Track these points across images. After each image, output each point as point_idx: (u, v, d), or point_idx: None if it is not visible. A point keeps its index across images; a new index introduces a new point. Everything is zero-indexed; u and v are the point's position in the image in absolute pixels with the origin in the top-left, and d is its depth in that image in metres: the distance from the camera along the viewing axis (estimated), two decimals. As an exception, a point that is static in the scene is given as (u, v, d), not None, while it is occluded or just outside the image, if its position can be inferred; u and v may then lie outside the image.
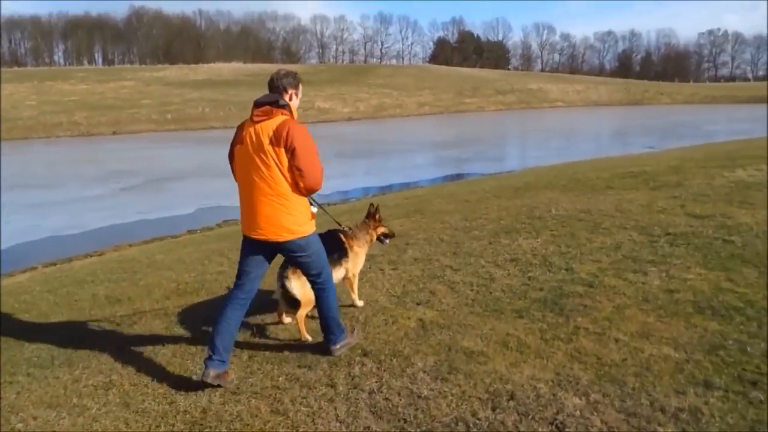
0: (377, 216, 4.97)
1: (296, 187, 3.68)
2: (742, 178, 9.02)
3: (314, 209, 3.96)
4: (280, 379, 3.67)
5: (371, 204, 5.10)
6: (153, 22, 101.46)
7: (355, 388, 3.48)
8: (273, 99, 3.69)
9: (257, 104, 3.71)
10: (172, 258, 7.64)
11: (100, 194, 16.29)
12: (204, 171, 20.84)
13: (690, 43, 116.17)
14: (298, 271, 4.10)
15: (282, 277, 4.29)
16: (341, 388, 3.49)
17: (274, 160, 3.59)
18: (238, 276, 3.94)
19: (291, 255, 3.91)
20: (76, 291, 6.33)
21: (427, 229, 7.70)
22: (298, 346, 4.15)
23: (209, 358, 3.63)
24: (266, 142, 3.58)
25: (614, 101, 68.44)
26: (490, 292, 4.93)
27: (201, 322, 4.77)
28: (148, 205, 14.68)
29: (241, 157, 3.77)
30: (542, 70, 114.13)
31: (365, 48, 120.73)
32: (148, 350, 4.26)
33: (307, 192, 3.76)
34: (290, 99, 3.80)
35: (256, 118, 3.68)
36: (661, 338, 3.76)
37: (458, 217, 8.31)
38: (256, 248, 3.85)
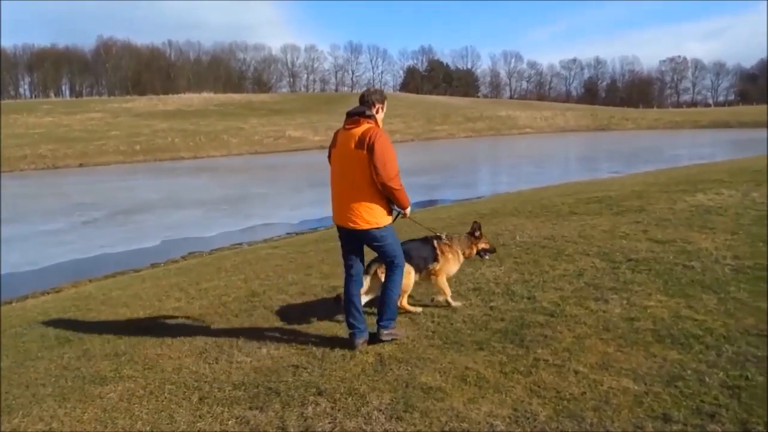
0: (478, 233, 5.40)
1: (375, 185, 4.29)
2: (703, 203, 9.13)
3: (394, 214, 4.62)
4: (230, 422, 3.51)
5: (474, 222, 5.52)
6: (122, 53, 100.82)
7: (307, 430, 3.33)
8: (361, 110, 4.44)
9: (349, 115, 4.48)
10: (129, 294, 7.40)
11: (62, 228, 15.89)
12: (171, 202, 20.56)
13: (653, 70, 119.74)
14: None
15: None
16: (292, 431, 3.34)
17: (357, 161, 4.29)
18: (344, 259, 4.69)
19: (369, 242, 4.54)
20: (24, 332, 6.05)
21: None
22: (252, 383, 3.98)
23: (352, 334, 4.48)
24: (352, 146, 4.31)
25: (581, 127, 69.77)
26: (451, 323, 4.83)
27: (151, 361, 4.57)
28: (112, 238, 14.34)
29: (334, 159, 4.58)
30: (511, 97, 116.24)
31: (336, 77, 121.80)
32: (93, 394, 4.05)
33: (383, 187, 4.30)
34: (377, 112, 4.56)
35: (347, 126, 4.44)
36: (621, 369, 3.69)
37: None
38: (345, 235, 4.58)
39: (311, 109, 69.49)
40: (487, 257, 5.58)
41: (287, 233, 14.61)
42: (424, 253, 5.22)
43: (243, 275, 7.63)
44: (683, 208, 8.84)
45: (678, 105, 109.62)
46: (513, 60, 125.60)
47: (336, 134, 4.58)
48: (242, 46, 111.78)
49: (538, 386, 3.58)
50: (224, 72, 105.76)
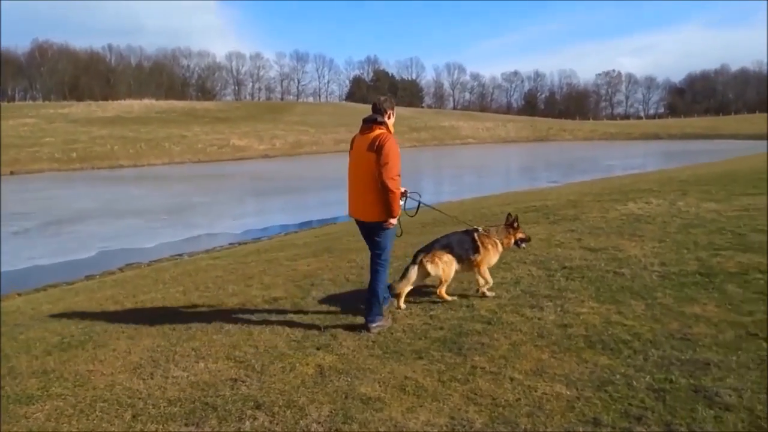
0: (515, 224, 5.80)
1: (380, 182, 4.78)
2: (633, 211, 9.50)
3: (402, 203, 5.13)
4: (164, 439, 3.42)
5: (509, 214, 5.92)
6: (58, 57, 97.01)
7: (244, 445, 3.29)
8: (374, 118, 4.99)
9: (364, 121, 5.01)
10: (61, 308, 7.12)
11: (-11, 239, 15.15)
12: (109, 212, 19.94)
13: (589, 83, 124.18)
14: (436, 257, 5.39)
15: (423, 260, 5.40)
16: (229, 447, 3.28)
17: (368, 162, 4.82)
18: (369, 246, 5.20)
19: (373, 233, 5.06)
20: (-56, 350, 5.73)
21: (334, 268, 7.60)
22: (188, 399, 3.89)
23: (369, 318, 4.97)
24: (365, 149, 4.87)
25: (521, 138, 71.56)
26: (392, 333, 4.86)
27: (82, 378, 4.41)
28: (44, 249, 13.79)
29: (351, 160, 5.10)
30: (454, 108, 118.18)
31: (282, 85, 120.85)
32: (18, 414, 3.88)
33: (382, 186, 4.78)
34: (388, 117, 5.06)
35: (362, 132, 5.00)
36: (554, 375, 3.79)
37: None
38: (360, 226, 5.19)
39: (256, 117, 68.84)
40: (524, 246, 5.96)
41: (230, 243, 14.41)
42: (465, 245, 5.57)
43: (182, 287, 7.47)
44: (615, 217, 9.17)
45: (612, 117, 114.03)
46: (456, 72, 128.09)
47: (354, 139, 5.15)
48: (186, 53, 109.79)
49: (475, 394, 3.65)
50: (167, 78, 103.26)
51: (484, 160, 45.59)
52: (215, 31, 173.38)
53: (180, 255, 12.68)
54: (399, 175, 4.84)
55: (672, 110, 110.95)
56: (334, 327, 5.14)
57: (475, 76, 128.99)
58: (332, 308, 5.73)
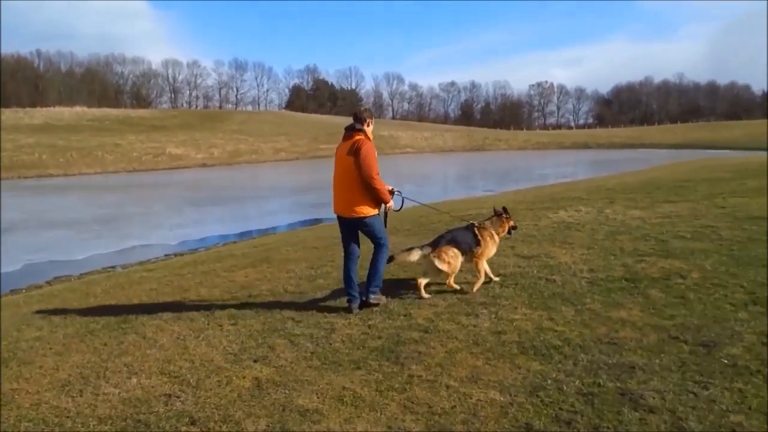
0: (506, 215, 6.38)
1: (362, 184, 5.49)
2: (564, 219, 9.84)
3: (389, 207, 5.83)
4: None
5: (503, 207, 6.51)
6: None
7: (178, 463, 3.21)
8: (353, 126, 5.69)
9: (346, 130, 5.72)
10: (-19, 325, 6.75)
11: None
12: (36, 222, 19.04)
13: (522, 94, 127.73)
14: (442, 252, 5.86)
15: (430, 256, 5.86)
16: (162, 465, 3.20)
17: (349, 165, 5.52)
18: (343, 242, 5.89)
19: (359, 228, 5.74)
20: None
21: (272, 279, 7.52)
22: (119, 416, 3.77)
23: (350, 300, 5.70)
24: (346, 153, 5.58)
25: (458, 147, 72.85)
26: (330, 344, 4.86)
27: (6, 397, 4.20)
28: (-37, 263, 13.01)
29: (335, 164, 5.74)
30: (393, 118, 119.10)
31: (220, 94, 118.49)
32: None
33: (365, 183, 5.47)
34: (367, 125, 5.72)
35: (344, 139, 5.69)
36: (489, 382, 3.88)
37: (304, 265, 8.22)
38: (342, 222, 5.80)
39: (194, 125, 67.42)
40: (512, 234, 6.62)
41: (165, 255, 14.02)
42: (468, 239, 6.04)
43: (114, 300, 7.24)
44: (547, 225, 9.46)
45: (545, 127, 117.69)
46: (395, 82, 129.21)
47: (338, 147, 5.81)
48: (120, 59, 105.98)
49: (412, 402, 3.69)
50: (99, 85, 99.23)
51: (423, 169, 46.12)
52: (151, 38, 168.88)
53: (113, 267, 12.25)
54: (378, 173, 5.52)
55: (600, 120, 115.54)
56: (272, 338, 5.11)
57: (414, 87, 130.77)
58: (270, 320, 5.67)
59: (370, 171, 5.42)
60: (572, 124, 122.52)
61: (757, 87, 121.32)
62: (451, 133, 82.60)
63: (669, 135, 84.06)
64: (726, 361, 3.84)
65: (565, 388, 3.70)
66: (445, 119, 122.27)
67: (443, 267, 5.84)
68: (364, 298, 5.71)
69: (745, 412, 3.21)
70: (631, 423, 3.23)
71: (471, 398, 3.68)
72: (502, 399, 3.64)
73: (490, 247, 6.13)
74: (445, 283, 6.01)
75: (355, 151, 5.45)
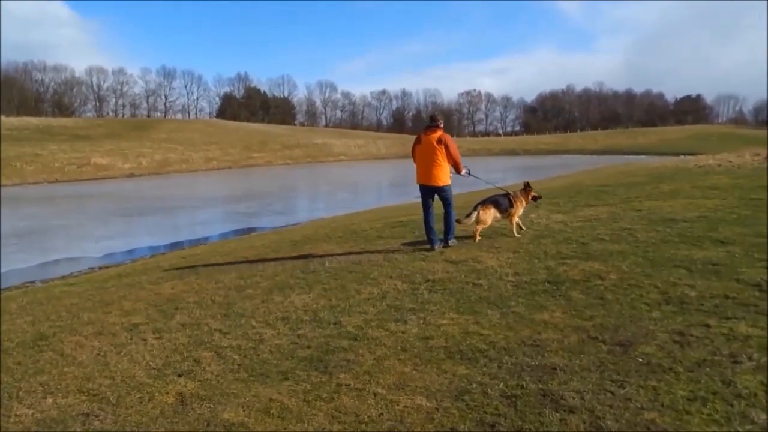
0: (529, 188, 8.89)
1: (446, 162, 8.18)
2: (491, 224, 10.04)
3: (464, 173, 8.62)
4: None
5: (525, 182, 9.14)
6: None
7: (93, 487, 3.07)
8: (434, 124, 8.29)
9: (427, 127, 8.33)
10: None
11: None
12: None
13: (452, 102, 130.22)
14: (486, 209, 8.49)
15: (476, 209, 8.50)
16: (76, 490, 3.05)
17: (438, 150, 8.08)
18: (423, 203, 8.46)
19: (439, 193, 8.33)
20: None
21: (200, 290, 7.34)
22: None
23: (431, 243, 8.31)
24: (434, 142, 8.10)
25: (391, 154, 73.40)
26: (258, 355, 4.78)
27: None
28: None
29: (421, 149, 8.29)
30: (326, 126, 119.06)
31: (148, 102, 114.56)
32: None
33: (453, 162, 8.27)
34: (441, 124, 8.35)
35: (426, 132, 8.27)
36: (416, 388, 3.91)
37: (234, 275, 8.07)
38: (425, 190, 8.37)
39: (120, 135, 65.16)
40: (537, 201, 9.44)
41: (89, 268, 13.46)
42: (505, 202, 8.60)
43: (31, 317, 6.89)
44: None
45: (474, 134, 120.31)
46: (328, 90, 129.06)
47: (419, 136, 8.40)
48: (40, 67, 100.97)
49: (340, 412, 3.67)
50: (18, 93, 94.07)
51: (357, 176, 46.23)
52: (75, 45, 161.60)
53: (32, 282, 11.64)
54: (459, 156, 8.31)
55: (526, 128, 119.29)
56: (198, 351, 4.98)
57: (346, 95, 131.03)
58: (196, 332, 5.53)
59: (456, 155, 8.24)
60: (500, 131, 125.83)
61: (670, 95, 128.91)
62: (384, 141, 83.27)
63: (590, 141, 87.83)
64: (641, 360, 4.00)
65: (489, 391, 3.76)
66: (377, 127, 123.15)
67: (482, 217, 8.44)
68: (443, 244, 8.34)
69: (659, 408, 3.36)
70: (552, 424, 3.31)
71: (398, 405, 3.69)
72: (428, 404, 3.66)
73: (520, 209, 8.75)
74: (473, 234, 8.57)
75: (444, 142, 8.09)
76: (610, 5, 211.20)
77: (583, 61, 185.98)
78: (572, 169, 36.15)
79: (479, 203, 8.58)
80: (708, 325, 4.47)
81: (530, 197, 8.87)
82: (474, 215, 8.44)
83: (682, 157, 39.06)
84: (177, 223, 21.99)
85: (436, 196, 8.43)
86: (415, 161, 8.46)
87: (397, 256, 8.08)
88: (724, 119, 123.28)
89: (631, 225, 8.89)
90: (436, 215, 8.56)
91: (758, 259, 6.32)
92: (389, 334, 4.96)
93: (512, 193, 8.71)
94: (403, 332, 4.98)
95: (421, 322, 5.20)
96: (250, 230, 18.83)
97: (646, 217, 9.60)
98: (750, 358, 3.83)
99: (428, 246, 8.33)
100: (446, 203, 8.34)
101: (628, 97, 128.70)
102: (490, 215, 8.47)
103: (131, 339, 5.52)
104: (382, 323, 5.27)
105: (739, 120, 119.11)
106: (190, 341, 5.29)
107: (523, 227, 8.93)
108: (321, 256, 8.65)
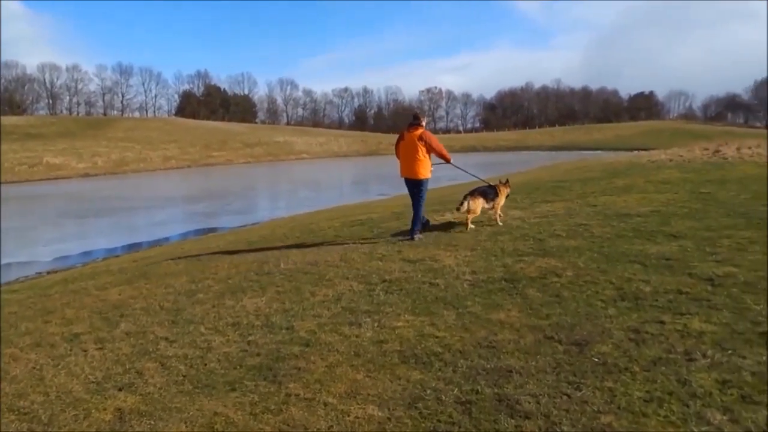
0: (507, 183, 9.60)
1: (427, 158, 8.66)
2: (449, 220, 10.00)
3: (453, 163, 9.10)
4: None
5: (507, 178, 9.94)
6: None
7: None
8: (417, 122, 8.67)
9: (410, 125, 8.72)
10: None
11: None
12: None
13: (413, 100, 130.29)
14: (475, 199, 8.92)
15: (466, 199, 8.90)
16: None
17: (419, 146, 8.51)
18: (411, 195, 8.91)
19: (417, 186, 8.75)
20: None
21: (148, 296, 7.06)
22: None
23: (412, 232, 8.75)
24: (416, 139, 8.53)
25: (353, 152, 73.27)
26: (205, 364, 4.56)
27: None
28: None
29: (404, 144, 8.72)
30: (288, 124, 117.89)
31: (104, 100, 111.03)
32: None
33: (440, 155, 8.74)
34: (423, 122, 8.78)
35: (410, 129, 8.68)
36: (368, 396, 3.75)
37: (185, 279, 7.79)
38: (408, 183, 8.81)
39: (75, 133, 63.34)
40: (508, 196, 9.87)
41: (37, 273, 12.96)
42: (491, 193, 9.20)
43: (-38, 329, 6.48)
44: (433, 227, 9.57)
45: (435, 131, 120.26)
46: (289, 87, 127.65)
47: (402, 133, 8.85)
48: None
49: (288, 425, 3.49)
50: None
51: (318, 174, 45.87)
52: (26, 41, 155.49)
53: (-27, 290, 11.09)
54: (443, 147, 8.77)
55: (486, 124, 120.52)
56: (142, 362, 4.73)
57: (308, 92, 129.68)
58: (141, 341, 5.27)
59: (439, 148, 8.69)
60: (461, 128, 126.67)
61: (624, 92, 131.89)
62: (345, 138, 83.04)
63: (548, 137, 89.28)
64: (597, 360, 3.92)
65: (443, 397, 3.63)
66: (339, 125, 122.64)
67: (471, 206, 8.90)
68: (409, 237, 8.71)
69: (615, 411, 3.28)
70: (507, 431, 3.20)
71: (349, 416, 3.53)
72: (380, 414, 3.51)
73: (502, 199, 9.41)
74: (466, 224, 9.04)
75: (425, 139, 8.57)
76: (567, 5, 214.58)
77: (541, 59, 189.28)
78: (531, 165, 36.57)
79: (468, 194, 9.00)
80: (662, 322, 4.44)
81: (509, 189, 9.64)
82: (465, 204, 8.87)
83: (636, 152, 39.87)
84: (134, 224, 21.40)
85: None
86: (398, 156, 8.90)
87: (353, 255, 7.91)
88: (675, 115, 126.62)
89: (586, 220, 8.92)
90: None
91: (709, 252, 6.38)
92: (343, 339, 4.79)
93: (496, 185, 9.39)
94: (357, 336, 4.82)
95: (376, 324, 5.04)
96: (210, 230, 18.47)
97: (602, 212, 9.66)
98: (704, 355, 3.79)
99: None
100: (419, 197, 8.75)
101: (585, 94, 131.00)
102: (479, 205, 8.94)
103: (71, 350, 5.23)
104: (336, 327, 5.10)
105: (688, 116, 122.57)
106: (133, 351, 5.04)
107: (500, 222, 9.36)
108: (277, 257, 8.42)
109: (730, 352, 3.81)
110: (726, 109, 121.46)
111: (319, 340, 4.82)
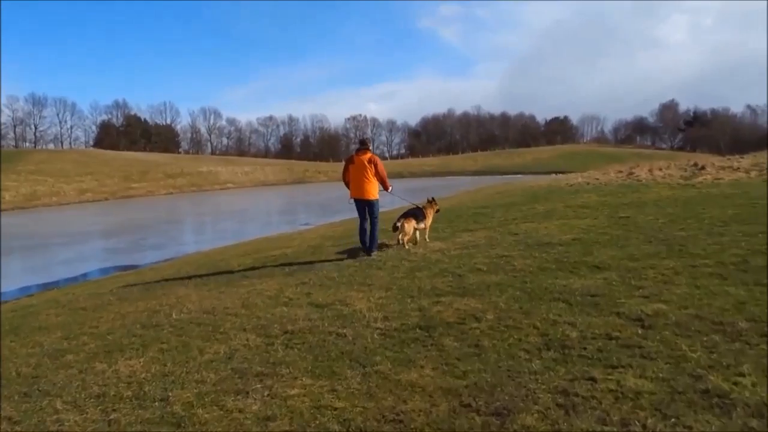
0: (433, 202, 10.61)
1: (375, 179, 9.48)
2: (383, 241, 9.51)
3: (390, 191, 9.95)
4: None
5: (432, 197, 10.74)
6: None
7: None
8: (365, 146, 9.77)
9: (358, 149, 9.65)
10: None
11: None
12: None
13: (339, 127, 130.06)
14: (408, 221, 9.74)
15: (399, 221, 9.76)
16: None
17: (368, 168, 9.39)
18: (359, 215, 9.64)
19: (369, 207, 9.47)
20: None
21: (9, 357, 6.04)
22: None
23: (365, 251, 9.52)
24: (365, 162, 9.42)
25: (280, 181, 72.04)
26: (49, 458, 3.63)
27: None
28: None
29: (354, 167, 9.54)
30: (213, 153, 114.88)
31: (15, 132, 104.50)
32: None
33: (380, 180, 9.56)
34: (371, 146, 9.97)
35: (359, 153, 9.54)
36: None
37: (59, 335, 6.74)
38: (359, 203, 9.55)
39: (-19, 167, 58.95)
40: (438, 213, 11.04)
41: None
42: (420, 215, 9.94)
43: None
44: (349, 264, 8.89)
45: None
46: (212, 117, 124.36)
47: (350, 158, 9.65)
48: None
49: None
50: None
51: (242, 204, 44.33)
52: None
53: None
54: (386, 175, 9.60)
55: (411, 151, 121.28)
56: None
57: (232, 121, 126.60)
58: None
59: (384, 173, 9.49)
60: (387, 154, 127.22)
61: (541, 117, 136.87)
62: (271, 167, 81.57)
63: (471, 162, 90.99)
64: (520, 434, 3.28)
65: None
66: (265, 153, 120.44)
67: (405, 229, 9.64)
68: (368, 254, 9.35)
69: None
70: None
71: None
72: None
73: (430, 220, 10.27)
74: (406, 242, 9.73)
75: (374, 163, 9.37)
76: (486, 34, 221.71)
77: (462, 86, 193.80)
78: (454, 190, 36.62)
79: (401, 216, 9.83)
80: (593, 379, 3.83)
81: (435, 209, 10.53)
82: (399, 227, 9.66)
83: (554, 175, 40.85)
84: (32, 265, 19.57)
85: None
86: (346, 179, 9.67)
87: (257, 300, 7.09)
88: (589, 138, 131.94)
89: (508, 251, 8.46)
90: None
91: (635, 286, 5.98)
92: (222, 416, 3.94)
93: (422, 206, 10.27)
94: (240, 411, 3.97)
95: (267, 393, 4.22)
96: (121, 268, 17.00)
97: (523, 241, 9.26)
98: (644, 426, 3.19)
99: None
100: (373, 216, 9.44)
101: (504, 119, 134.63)
102: (411, 226, 9.69)
103: None
104: (218, 397, 4.25)
105: (600, 139, 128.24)
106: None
107: (428, 243, 10.04)
108: (171, 305, 7.48)
109: (673, 420, 3.23)
110: (634, 132, 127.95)
111: (194, 417, 3.95)
